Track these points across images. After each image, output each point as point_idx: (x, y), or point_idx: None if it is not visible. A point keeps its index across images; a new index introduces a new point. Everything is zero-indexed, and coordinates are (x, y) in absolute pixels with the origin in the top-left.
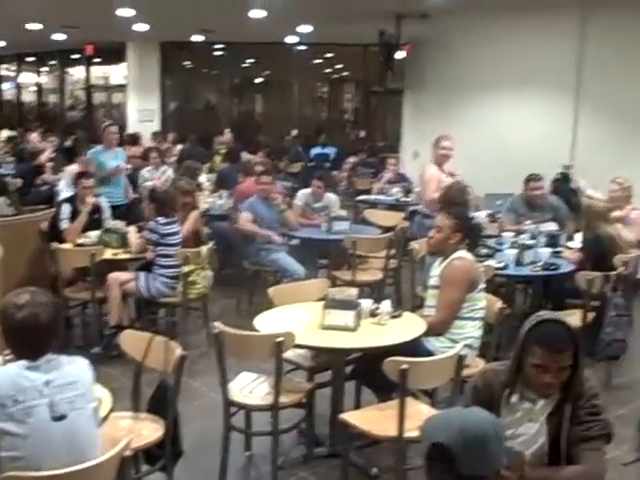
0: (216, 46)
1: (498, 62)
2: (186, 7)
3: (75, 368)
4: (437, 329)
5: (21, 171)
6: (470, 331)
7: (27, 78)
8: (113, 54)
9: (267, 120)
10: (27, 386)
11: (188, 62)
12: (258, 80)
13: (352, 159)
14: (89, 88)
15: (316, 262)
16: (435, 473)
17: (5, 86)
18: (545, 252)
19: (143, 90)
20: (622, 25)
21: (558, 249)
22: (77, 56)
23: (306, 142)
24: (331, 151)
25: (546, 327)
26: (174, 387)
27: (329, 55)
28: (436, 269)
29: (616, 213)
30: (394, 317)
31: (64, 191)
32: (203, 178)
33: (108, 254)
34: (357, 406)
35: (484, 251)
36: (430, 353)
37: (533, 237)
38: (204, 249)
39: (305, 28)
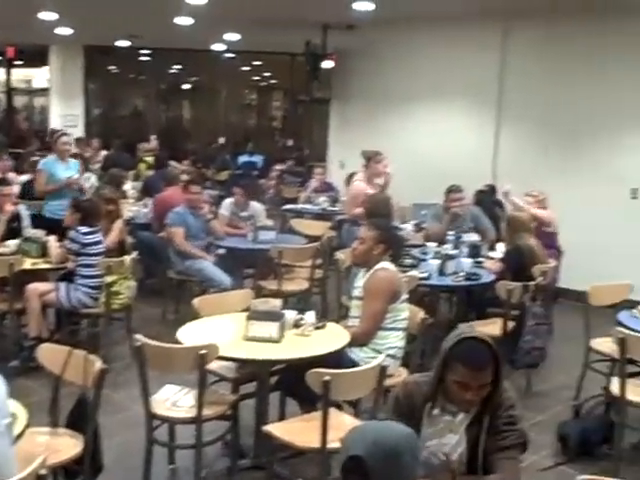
0: (142, 51)
1: (423, 73)
2: (111, 12)
3: None
4: (361, 340)
5: None
6: (393, 341)
7: None
8: (36, 57)
9: (195, 127)
10: None
11: (113, 67)
12: (186, 86)
13: (279, 167)
14: (10, 91)
15: (242, 272)
16: None
17: None
18: (467, 262)
19: (66, 95)
20: (543, 36)
21: (480, 259)
22: None
23: (234, 150)
24: (259, 159)
25: (468, 345)
26: (94, 401)
27: (257, 63)
28: (360, 280)
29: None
30: (318, 328)
31: None
32: (128, 186)
33: (27, 264)
34: (282, 417)
35: (408, 261)
36: (354, 363)
37: (456, 247)
38: (127, 259)
39: (232, 36)
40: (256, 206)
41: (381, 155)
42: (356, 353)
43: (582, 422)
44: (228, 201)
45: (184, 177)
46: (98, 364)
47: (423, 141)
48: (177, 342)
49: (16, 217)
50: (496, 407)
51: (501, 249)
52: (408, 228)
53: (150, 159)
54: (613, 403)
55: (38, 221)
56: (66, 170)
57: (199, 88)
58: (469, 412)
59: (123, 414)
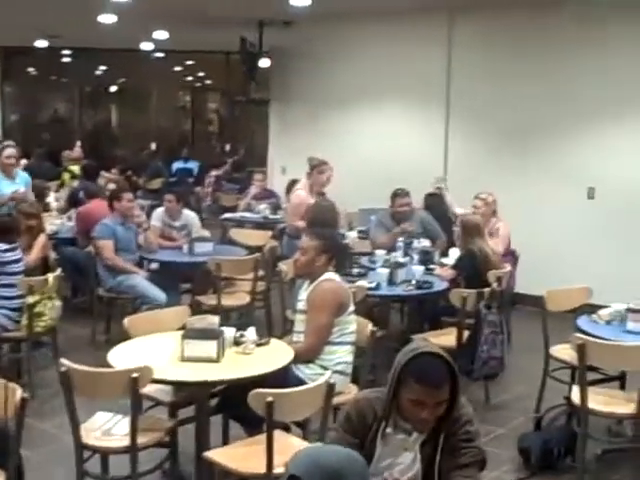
0: (64, 52)
1: (366, 72)
2: (26, 10)
3: None
4: (306, 356)
5: None
6: (341, 356)
7: None
8: None
9: (124, 132)
10: None
11: (32, 69)
12: (113, 89)
13: (214, 172)
14: None
15: (178, 287)
16: None
17: None
18: (418, 270)
19: None
20: (489, 29)
21: (432, 266)
22: None
23: (167, 156)
24: (194, 165)
25: (423, 361)
26: (16, 433)
27: (190, 62)
28: (304, 292)
29: None
30: (260, 345)
31: None
32: (51, 198)
33: None
34: (225, 442)
35: (356, 270)
36: (301, 381)
37: (406, 254)
38: (51, 277)
39: (161, 34)
40: (190, 215)
41: (326, 165)
42: (302, 370)
43: (544, 434)
44: (159, 210)
45: (111, 186)
46: (19, 392)
47: (369, 142)
48: (108, 365)
49: None
50: (452, 423)
51: (454, 255)
52: (352, 235)
53: (75, 168)
54: (575, 413)
55: None
56: (11, 185)
57: (127, 90)
58: (424, 430)
59: (50, 446)
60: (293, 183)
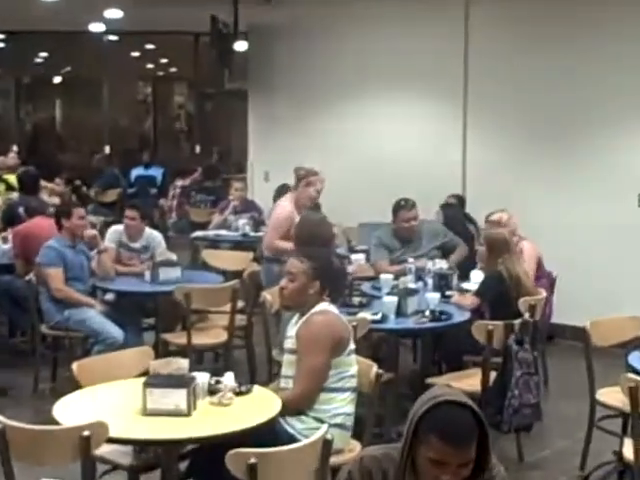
0: None
1: (368, 57)
2: None
3: None
4: (296, 406)
5: None
6: (340, 406)
7: None
8: None
9: (71, 133)
10: None
11: None
12: (57, 80)
13: (180, 182)
14: None
15: (139, 322)
16: None
17: None
18: (433, 298)
19: None
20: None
21: (449, 292)
22: None
23: (124, 161)
24: (158, 172)
25: (444, 412)
26: None
27: (150, 47)
28: (293, 328)
29: None
30: (240, 394)
31: None
32: None
33: None
34: None
35: (357, 299)
36: (291, 438)
37: (418, 279)
38: None
39: (113, 12)
40: (153, 234)
41: (315, 176)
42: (292, 424)
43: None
44: (115, 228)
45: (54, 200)
46: None
47: (369, 142)
48: (53, 422)
49: None
50: None
51: (477, 279)
52: (359, 259)
53: (11, 177)
54: (628, 470)
55: None
56: None
57: (74, 81)
58: None
59: None
60: (282, 189)
